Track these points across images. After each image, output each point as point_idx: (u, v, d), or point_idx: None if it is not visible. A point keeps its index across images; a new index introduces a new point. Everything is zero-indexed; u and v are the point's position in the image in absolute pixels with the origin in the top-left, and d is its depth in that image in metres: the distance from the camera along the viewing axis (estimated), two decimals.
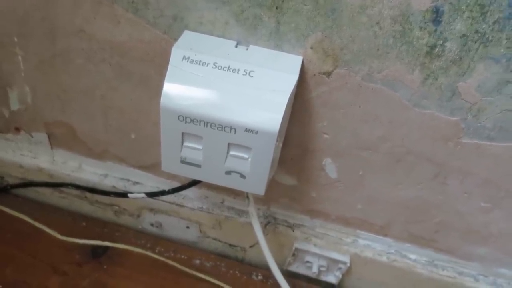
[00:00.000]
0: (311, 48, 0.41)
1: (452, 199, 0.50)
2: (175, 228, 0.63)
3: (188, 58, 0.40)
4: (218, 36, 0.43)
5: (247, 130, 0.39)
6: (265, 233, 0.57)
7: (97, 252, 0.59)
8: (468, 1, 0.36)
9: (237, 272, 0.61)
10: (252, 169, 0.43)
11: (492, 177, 0.47)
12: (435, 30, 0.38)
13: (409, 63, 0.40)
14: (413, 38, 0.39)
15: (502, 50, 0.38)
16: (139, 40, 0.46)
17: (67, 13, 0.46)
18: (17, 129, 0.60)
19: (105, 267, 0.58)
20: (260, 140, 0.40)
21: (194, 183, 0.53)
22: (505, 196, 0.48)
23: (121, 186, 0.60)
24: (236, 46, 0.42)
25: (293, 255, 0.60)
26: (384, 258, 0.58)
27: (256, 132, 0.39)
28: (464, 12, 0.36)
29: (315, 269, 0.60)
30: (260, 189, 0.44)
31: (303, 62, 0.42)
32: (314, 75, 0.43)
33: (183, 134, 0.42)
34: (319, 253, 0.59)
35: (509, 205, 0.49)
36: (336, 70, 0.42)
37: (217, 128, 0.40)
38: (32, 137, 0.60)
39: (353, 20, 0.39)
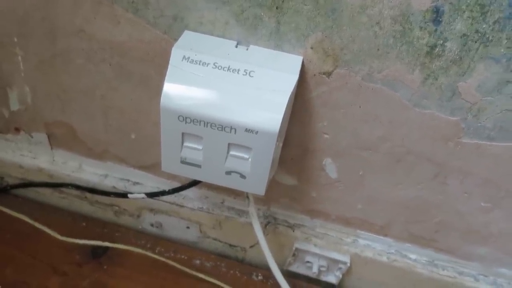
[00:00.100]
0: (311, 48, 0.41)
1: (452, 199, 0.50)
2: (175, 228, 0.63)
3: (188, 58, 0.40)
4: (218, 36, 0.43)
5: (247, 130, 0.39)
6: (265, 233, 0.57)
7: (97, 253, 0.59)
8: (468, 1, 0.36)
9: (237, 272, 0.61)
10: (252, 169, 0.43)
11: (492, 177, 0.47)
12: (435, 30, 0.38)
13: (409, 63, 0.40)
14: (413, 38, 0.39)
15: (502, 50, 0.38)
16: (139, 40, 0.46)
17: (67, 13, 0.46)
18: (17, 129, 0.60)
19: (105, 267, 0.58)
20: (260, 140, 0.40)
21: (194, 183, 0.53)
22: (505, 196, 0.48)
23: (121, 186, 0.60)
24: (236, 46, 0.42)
25: (293, 255, 0.60)
26: (384, 258, 0.58)
27: (256, 132, 0.39)
28: (464, 12, 0.36)
29: (315, 269, 0.60)
30: (260, 189, 0.44)
31: (303, 62, 0.42)
32: (314, 75, 0.43)
33: (183, 134, 0.42)
34: (319, 253, 0.59)
35: (509, 205, 0.49)
36: (336, 70, 0.42)
37: (217, 128, 0.40)
38: (32, 137, 0.60)
39: (353, 20, 0.39)
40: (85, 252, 0.59)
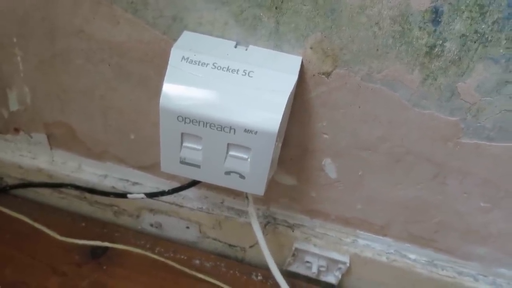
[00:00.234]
0: (311, 48, 0.41)
1: (452, 199, 0.50)
2: (175, 229, 0.63)
3: (188, 58, 0.40)
4: (217, 36, 0.43)
5: (247, 130, 0.39)
6: (264, 233, 0.57)
7: (96, 253, 0.59)
8: (468, 1, 0.36)
9: (237, 272, 0.61)
10: (251, 170, 0.43)
11: (492, 177, 0.47)
12: (435, 30, 0.38)
13: (409, 63, 0.40)
14: (412, 38, 0.39)
15: (501, 51, 0.38)
16: (139, 41, 0.46)
17: (67, 13, 0.46)
18: (16, 130, 0.60)
19: (104, 267, 0.58)
20: (260, 140, 0.40)
21: (193, 183, 0.53)
22: (505, 196, 0.48)
23: (120, 186, 0.60)
24: (235, 47, 0.42)
25: (293, 255, 0.60)
26: (383, 258, 0.58)
27: (256, 133, 0.39)
28: (463, 12, 0.36)
29: (314, 269, 0.60)
30: (259, 189, 0.44)
31: (302, 62, 0.42)
32: (314, 75, 0.43)
33: (182, 134, 0.42)
34: (318, 253, 0.59)
35: (508, 205, 0.49)
36: (335, 70, 0.42)
37: (217, 128, 0.40)
38: (31, 137, 0.60)
39: (353, 21, 0.39)
40: (84, 252, 0.59)
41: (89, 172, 0.61)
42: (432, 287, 0.59)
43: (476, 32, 0.37)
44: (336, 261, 0.59)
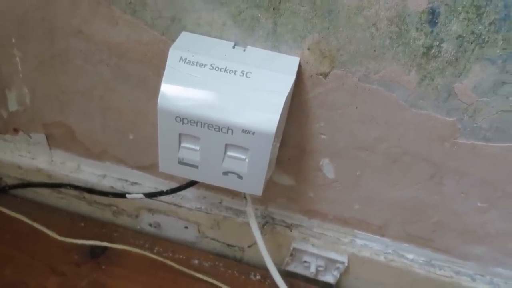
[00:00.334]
0: (308, 49, 0.42)
1: (449, 199, 0.50)
2: (174, 228, 0.64)
3: (186, 59, 0.40)
4: (215, 37, 0.43)
5: (244, 131, 0.39)
6: (263, 233, 0.58)
7: (95, 252, 0.60)
8: (464, 3, 0.36)
9: (235, 272, 0.61)
10: (249, 170, 0.43)
11: (489, 178, 0.47)
12: (432, 31, 0.38)
13: (406, 64, 0.41)
14: (409, 39, 0.39)
15: (498, 51, 0.38)
16: (137, 41, 0.46)
17: (65, 14, 0.46)
18: (16, 130, 0.60)
19: (103, 267, 0.58)
20: (257, 141, 0.40)
21: (192, 183, 0.54)
22: (502, 196, 0.48)
23: (119, 186, 0.61)
24: (233, 47, 0.42)
25: (291, 255, 0.60)
26: (381, 258, 0.58)
27: (253, 133, 0.39)
28: (460, 13, 0.36)
29: (313, 269, 0.60)
30: (257, 189, 0.45)
31: (300, 63, 0.42)
32: (311, 76, 0.43)
33: (180, 135, 0.42)
34: (317, 253, 0.59)
35: (505, 205, 0.49)
36: (333, 71, 0.43)
37: (214, 129, 0.40)
38: (30, 137, 0.60)
39: (350, 21, 0.39)
40: (83, 252, 0.59)
41: (88, 172, 0.61)
42: (430, 287, 0.59)
43: (472, 33, 0.37)
44: (334, 261, 0.59)
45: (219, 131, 0.40)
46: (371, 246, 0.58)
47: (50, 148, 0.61)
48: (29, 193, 0.65)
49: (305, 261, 0.60)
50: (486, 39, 0.37)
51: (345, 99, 0.44)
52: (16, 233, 0.60)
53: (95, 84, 0.51)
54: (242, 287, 0.59)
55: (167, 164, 0.45)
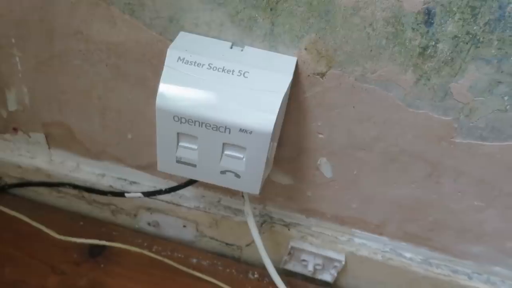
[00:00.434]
0: (305, 49, 0.42)
1: (446, 198, 0.51)
2: (172, 227, 0.64)
3: (184, 59, 0.41)
4: (213, 37, 0.43)
5: (242, 130, 0.40)
6: (261, 232, 0.58)
7: (94, 251, 0.60)
8: (459, 3, 0.36)
9: (233, 271, 0.61)
10: (246, 169, 0.43)
11: (485, 176, 0.48)
12: (427, 32, 0.38)
13: (402, 63, 0.41)
14: (405, 39, 0.39)
15: (493, 51, 0.38)
16: (136, 41, 0.46)
17: (65, 14, 0.46)
18: (15, 130, 0.61)
19: (102, 266, 0.59)
20: (254, 140, 0.40)
21: (190, 182, 0.54)
22: (498, 195, 0.49)
23: (118, 185, 0.61)
24: (231, 47, 0.43)
25: (289, 253, 0.61)
26: (379, 257, 0.58)
27: (250, 132, 0.40)
28: (455, 13, 0.37)
29: (310, 267, 0.60)
30: (255, 188, 0.45)
31: (297, 63, 0.43)
32: (309, 75, 0.44)
33: (178, 134, 0.42)
34: (314, 252, 0.59)
35: (502, 203, 0.49)
36: (330, 71, 0.43)
37: (212, 128, 0.40)
38: (30, 137, 0.61)
39: (346, 22, 0.39)
40: (82, 251, 0.60)
41: (87, 171, 0.62)
42: (427, 285, 0.59)
43: (468, 33, 0.38)
44: (332, 260, 0.59)
45: (216, 130, 0.40)
46: (369, 245, 0.59)
47: (49, 148, 0.61)
48: (29, 192, 0.66)
49: (303, 260, 0.61)
50: (481, 39, 0.38)
51: (342, 99, 0.45)
52: (16, 232, 0.60)
53: (94, 84, 0.51)
54: (240, 285, 0.60)
55: (166, 163, 0.45)
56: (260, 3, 0.40)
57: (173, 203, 0.61)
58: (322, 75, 0.43)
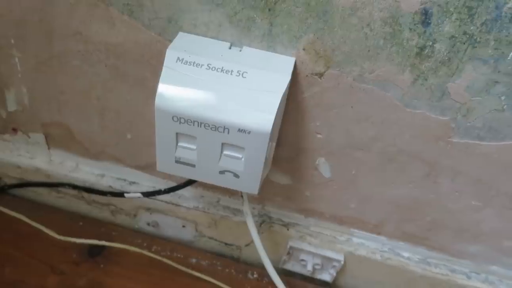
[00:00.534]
0: (304, 49, 0.42)
1: (444, 197, 0.51)
2: (171, 227, 0.64)
3: (182, 59, 0.41)
4: (212, 37, 0.44)
5: (240, 130, 0.40)
6: (260, 231, 0.58)
7: (94, 251, 0.60)
8: (456, 3, 0.36)
9: (233, 270, 0.62)
10: (245, 169, 0.43)
11: (483, 176, 0.48)
12: (424, 32, 0.39)
13: (400, 64, 0.41)
14: (403, 40, 0.39)
15: (490, 51, 0.38)
16: (135, 42, 0.46)
17: (64, 15, 0.46)
18: (15, 130, 0.61)
19: (102, 266, 0.59)
20: (253, 140, 0.40)
21: (189, 182, 0.54)
22: (495, 194, 0.49)
23: (117, 186, 0.61)
24: (229, 48, 0.43)
25: (288, 253, 0.61)
26: (377, 256, 0.59)
27: (249, 132, 0.40)
28: (452, 14, 0.37)
29: (309, 267, 0.60)
30: (253, 188, 0.45)
31: (295, 63, 0.43)
32: (307, 75, 0.44)
33: (177, 134, 0.42)
34: (313, 252, 0.59)
35: (499, 203, 0.50)
36: (328, 71, 0.43)
37: (211, 128, 0.40)
38: (29, 137, 0.61)
39: (344, 22, 0.39)
40: (82, 251, 0.60)
41: (87, 171, 0.62)
42: (425, 285, 0.59)
43: (465, 33, 0.38)
44: (330, 259, 0.60)
45: (215, 130, 0.40)
46: (367, 245, 0.59)
47: (48, 148, 0.61)
48: (28, 192, 0.66)
49: (302, 260, 0.61)
50: (478, 39, 0.38)
51: (340, 99, 0.45)
52: (15, 232, 0.60)
53: (93, 84, 0.51)
54: (239, 285, 0.60)
55: (165, 163, 0.45)
56: (258, 3, 0.40)
57: (172, 203, 0.61)
58: (320, 75, 0.44)
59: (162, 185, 0.60)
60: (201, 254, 0.63)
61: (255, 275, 0.61)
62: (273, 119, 0.39)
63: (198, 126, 0.40)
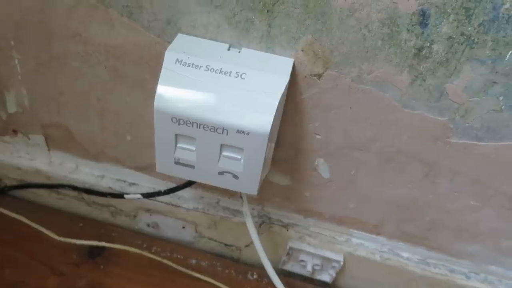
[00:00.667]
0: (302, 50, 0.42)
1: (443, 197, 0.51)
2: (171, 228, 0.64)
3: (181, 61, 0.41)
4: (211, 39, 0.44)
5: (239, 131, 0.40)
6: (259, 232, 0.58)
7: (94, 253, 0.60)
8: (454, 4, 0.37)
9: (232, 271, 0.62)
10: (244, 170, 0.43)
11: (481, 176, 0.48)
12: (422, 33, 0.39)
13: (398, 64, 0.41)
14: (401, 41, 0.40)
15: (487, 52, 0.39)
16: (134, 44, 0.46)
17: (63, 17, 0.47)
18: (15, 131, 0.61)
19: (102, 267, 0.59)
20: (252, 141, 0.41)
21: (189, 183, 0.54)
22: (494, 194, 0.49)
23: (117, 187, 0.61)
24: (228, 49, 0.43)
25: (288, 254, 0.61)
26: (377, 257, 0.59)
27: (248, 133, 0.40)
28: (449, 15, 0.37)
29: (309, 268, 0.61)
30: (253, 189, 0.45)
31: (294, 64, 0.43)
32: (305, 77, 0.44)
33: (176, 135, 0.42)
34: (313, 252, 0.59)
35: (498, 203, 0.50)
36: (326, 72, 0.43)
37: (210, 129, 0.40)
38: (29, 139, 0.61)
39: (342, 23, 0.40)
40: (82, 252, 0.60)
41: (87, 173, 0.62)
42: (425, 285, 0.59)
43: (462, 34, 0.38)
44: (330, 260, 0.60)
45: (214, 131, 0.41)
46: (366, 245, 0.59)
47: (48, 149, 0.62)
48: (28, 194, 0.66)
49: (302, 260, 0.61)
50: (475, 40, 0.38)
51: (339, 100, 0.45)
52: (16, 233, 0.61)
53: (93, 85, 0.52)
54: (239, 286, 0.60)
55: (164, 165, 0.45)
56: (256, 5, 0.40)
57: (172, 204, 0.61)
58: (319, 76, 0.44)
59: (162, 186, 0.60)
60: (201, 255, 0.63)
61: (255, 276, 0.61)
62: (272, 120, 0.40)
63: (197, 127, 0.41)
